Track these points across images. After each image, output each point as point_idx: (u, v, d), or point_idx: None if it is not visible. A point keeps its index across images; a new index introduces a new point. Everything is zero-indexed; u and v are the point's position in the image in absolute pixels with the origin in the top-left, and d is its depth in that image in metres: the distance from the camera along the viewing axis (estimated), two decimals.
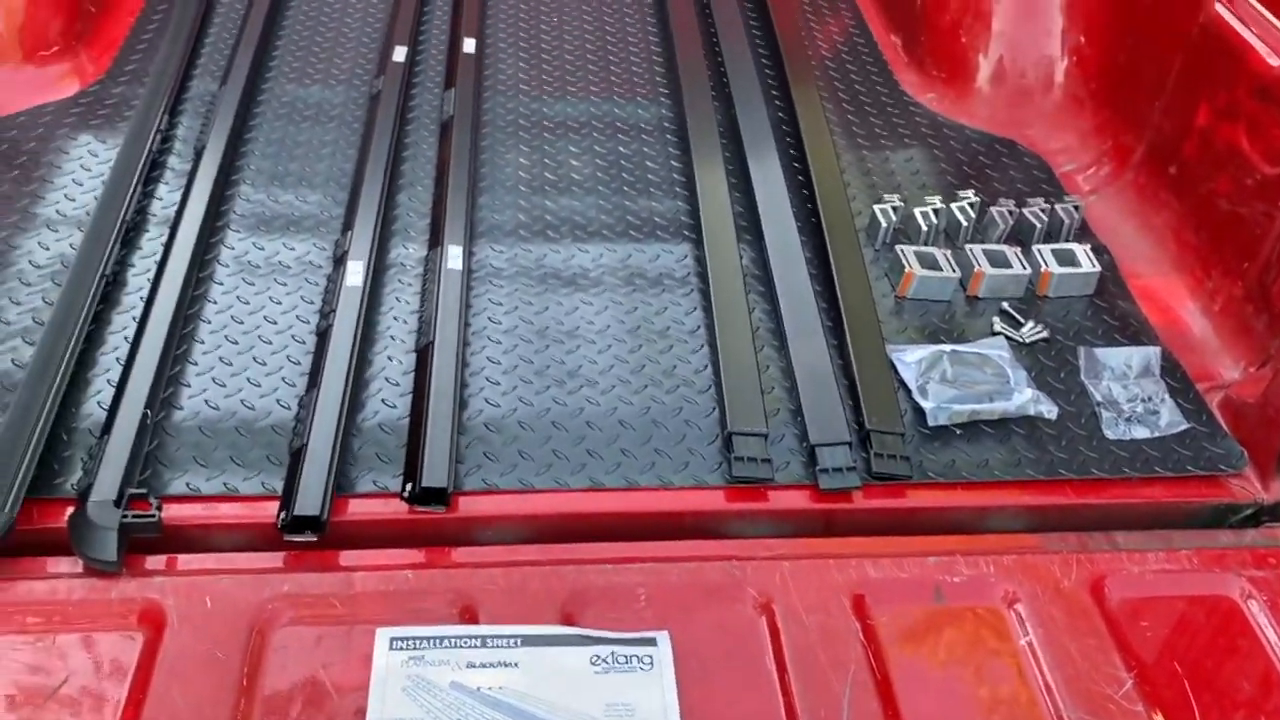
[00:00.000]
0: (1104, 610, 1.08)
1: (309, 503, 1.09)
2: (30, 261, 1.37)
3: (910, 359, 1.32)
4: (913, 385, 1.29)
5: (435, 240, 1.43)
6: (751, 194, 1.56)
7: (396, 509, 1.14)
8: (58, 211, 1.46)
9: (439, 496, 1.12)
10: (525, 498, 1.17)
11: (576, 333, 1.36)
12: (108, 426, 1.14)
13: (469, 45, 1.81)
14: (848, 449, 1.21)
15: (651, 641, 1.02)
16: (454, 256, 1.40)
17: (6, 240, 1.40)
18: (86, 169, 1.54)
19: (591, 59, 1.89)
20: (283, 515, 1.09)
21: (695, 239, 1.51)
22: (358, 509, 1.14)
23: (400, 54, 1.76)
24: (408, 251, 1.45)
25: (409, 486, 1.13)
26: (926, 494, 1.21)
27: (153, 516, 1.06)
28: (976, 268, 1.44)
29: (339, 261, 1.39)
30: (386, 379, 1.27)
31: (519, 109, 1.75)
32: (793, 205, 1.54)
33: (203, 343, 1.30)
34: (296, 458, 1.14)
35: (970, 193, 1.57)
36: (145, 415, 1.16)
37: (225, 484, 1.14)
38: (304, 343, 1.31)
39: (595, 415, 1.26)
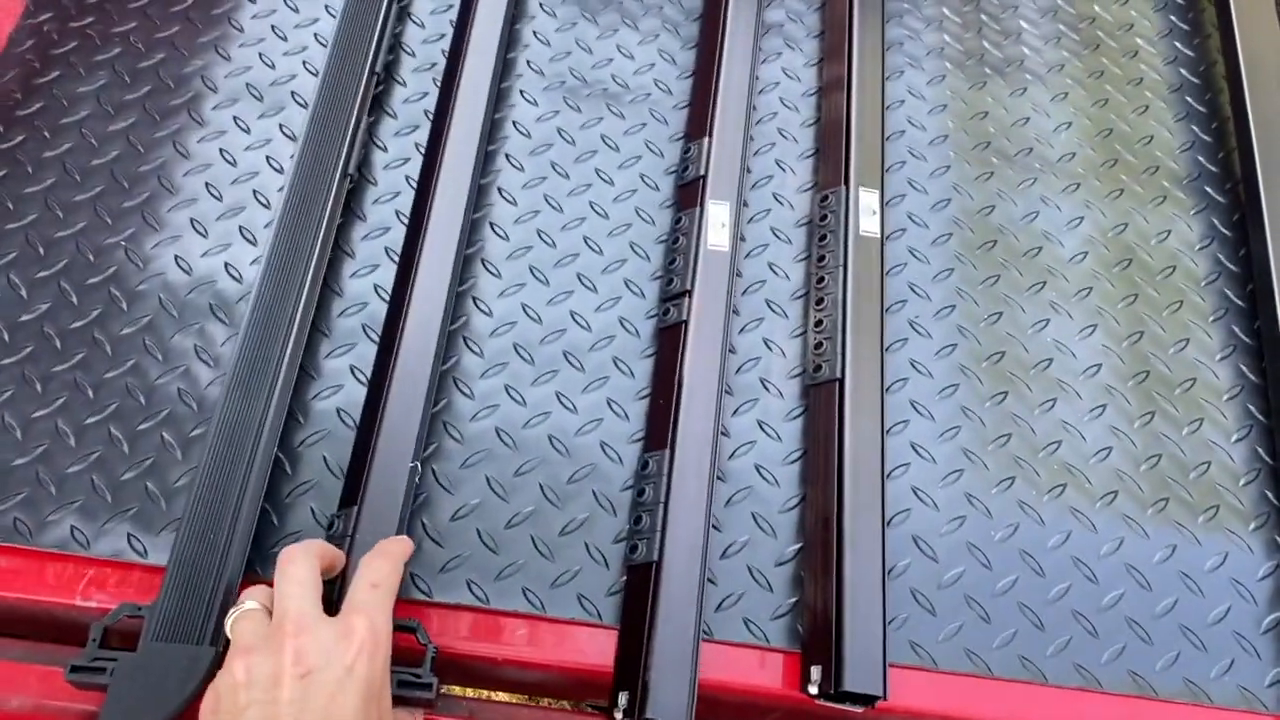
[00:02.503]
0: None
1: (668, 700, 0.68)
2: (225, 155, 0.91)
3: None
4: None
5: (835, 176, 0.92)
6: None
7: (777, 679, 0.73)
8: (262, 58, 0.97)
9: (862, 700, 0.70)
10: (976, 687, 0.74)
11: (1046, 373, 0.87)
12: (350, 493, 0.73)
13: None
14: None
15: None
16: (867, 210, 0.89)
17: (193, 108, 0.93)
18: None
19: None
20: (624, 698, 0.68)
21: None
22: (722, 665, 0.73)
23: None
24: (784, 177, 0.95)
25: (815, 674, 0.71)
26: None
27: (426, 687, 0.67)
28: None
29: (691, 192, 0.89)
30: (763, 425, 0.82)
31: None
32: None
33: (487, 312, 0.85)
34: (643, 586, 0.72)
35: None
36: (413, 470, 0.74)
37: (530, 596, 0.73)
38: (637, 335, 0.85)
39: (1083, 546, 0.80)
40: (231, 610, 0.62)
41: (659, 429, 0.78)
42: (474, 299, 0.85)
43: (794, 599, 0.75)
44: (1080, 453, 0.83)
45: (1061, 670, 0.75)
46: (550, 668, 0.72)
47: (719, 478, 0.79)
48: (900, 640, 0.74)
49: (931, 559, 0.77)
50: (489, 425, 0.79)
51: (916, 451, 0.82)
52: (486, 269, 0.86)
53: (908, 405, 0.84)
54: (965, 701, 0.74)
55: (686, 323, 0.82)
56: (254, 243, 0.85)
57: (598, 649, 0.72)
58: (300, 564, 0.62)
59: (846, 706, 0.70)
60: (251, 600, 0.63)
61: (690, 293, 0.83)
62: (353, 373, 0.80)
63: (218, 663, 0.66)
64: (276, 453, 0.76)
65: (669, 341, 0.83)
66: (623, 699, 0.68)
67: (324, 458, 0.77)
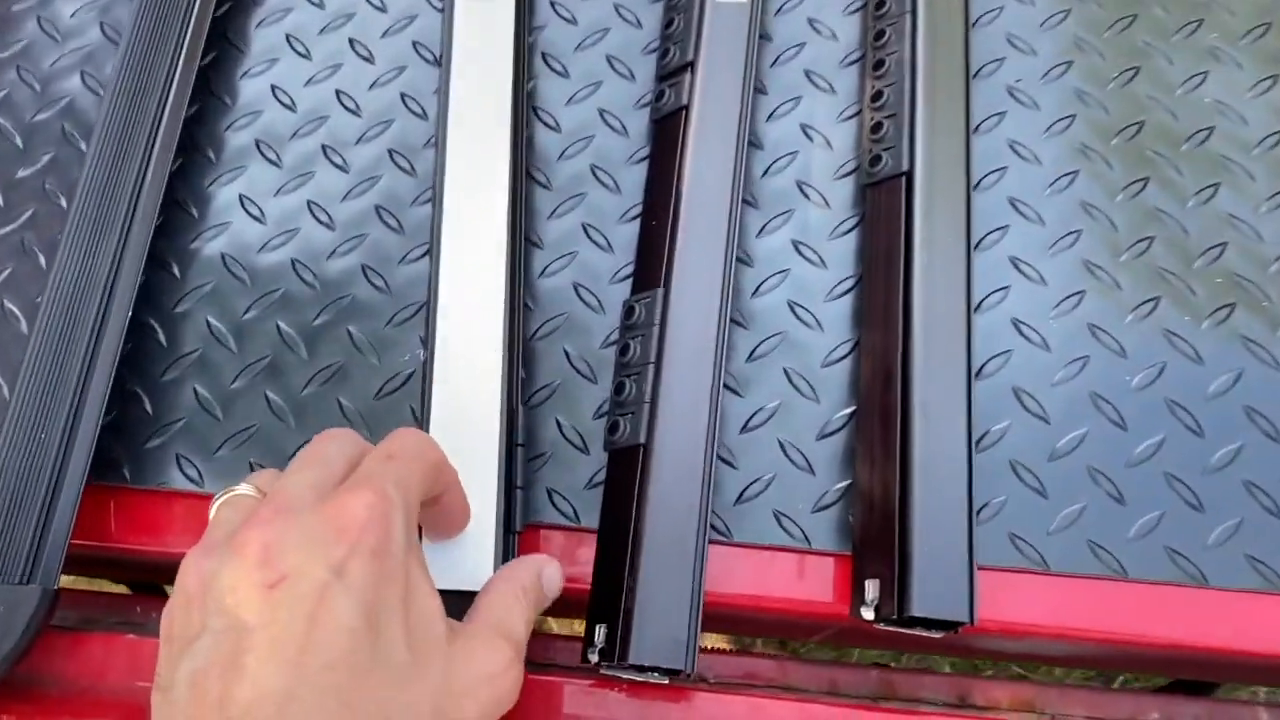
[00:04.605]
0: None
1: (659, 635, 0.48)
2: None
3: None
4: None
5: None
6: None
7: (823, 590, 0.53)
8: None
9: (940, 624, 0.50)
10: (1105, 594, 0.53)
11: (1205, 148, 0.62)
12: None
13: None
14: None
15: None
16: None
17: None
18: None
19: None
20: (601, 633, 0.49)
21: None
22: (747, 574, 0.53)
23: None
24: None
25: (870, 590, 0.50)
26: None
27: None
28: None
29: None
30: (800, 247, 0.59)
31: None
32: None
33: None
34: (626, 479, 0.52)
35: None
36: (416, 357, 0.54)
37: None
38: (623, 132, 0.62)
39: (1260, 390, 0.56)
40: (219, 494, 0.43)
41: (651, 260, 0.57)
42: (402, 94, 0.63)
43: (844, 483, 0.54)
44: (1255, 258, 0.59)
45: (1228, 566, 0.53)
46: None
47: (737, 322, 0.57)
48: (995, 533, 0.53)
49: (1040, 419, 0.55)
50: (421, 269, 0.59)
51: (1019, 269, 0.58)
52: (418, 54, 0.64)
53: (1005, 206, 0.60)
54: (1090, 613, 0.53)
55: (688, 108, 0.59)
56: (118, 42, 0.64)
57: (581, 560, 0.53)
58: (334, 442, 0.42)
59: (918, 632, 0.50)
60: (246, 484, 0.43)
61: (694, 65, 0.60)
62: (243, 205, 0.60)
63: (49, 608, 0.49)
64: (147, 319, 0.57)
65: (665, 137, 0.60)
66: (599, 634, 0.49)
67: (208, 322, 0.58)
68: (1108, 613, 0.53)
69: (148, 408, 0.56)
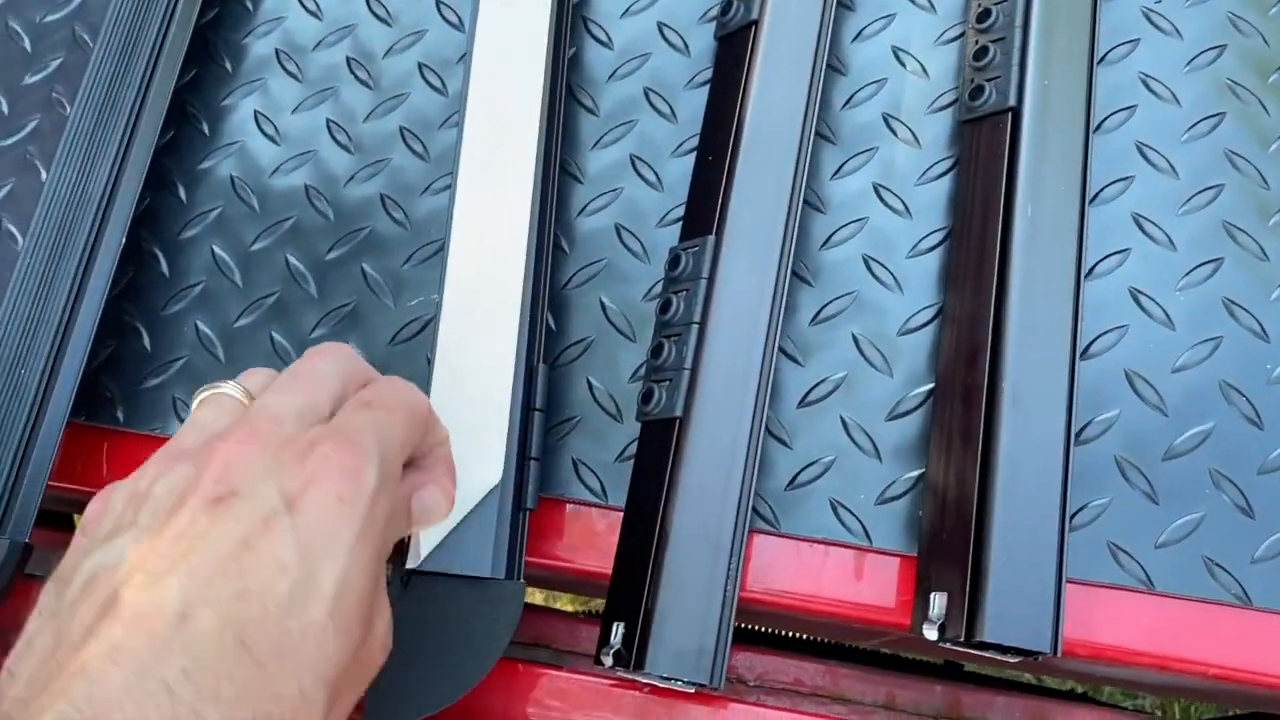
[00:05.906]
0: None
1: (683, 640, 0.42)
2: None
3: None
4: None
5: None
6: None
7: (883, 594, 0.46)
8: None
9: (1018, 652, 0.42)
10: (1223, 623, 0.45)
11: None
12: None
13: None
14: None
15: None
16: None
17: None
18: None
19: None
20: (618, 632, 0.43)
21: None
22: (795, 570, 0.46)
23: None
24: None
25: (936, 604, 0.43)
26: None
27: None
28: None
29: None
30: (882, 192, 0.51)
31: None
32: None
33: None
34: (659, 456, 0.45)
35: None
36: None
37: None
38: (685, 52, 0.54)
39: None
40: (204, 389, 0.39)
41: (703, 202, 0.49)
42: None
43: (916, 473, 0.46)
44: None
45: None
46: (548, 566, 0.47)
47: (801, 278, 0.49)
48: (1092, 541, 0.45)
49: (1157, 409, 0.47)
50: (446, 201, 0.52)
51: (1142, 229, 0.49)
52: None
53: (1131, 152, 0.50)
54: (1200, 643, 0.45)
55: (758, 24, 0.50)
56: None
57: (605, 545, 0.47)
58: (328, 360, 0.39)
59: (991, 655, 0.42)
60: (234, 384, 0.39)
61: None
62: (257, 122, 0.54)
63: (19, 562, 0.45)
64: (151, 246, 0.52)
65: (730, 57, 0.52)
66: (617, 633, 0.43)
67: (213, 251, 0.52)
68: (1221, 644, 0.45)
69: (146, 343, 0.51)
